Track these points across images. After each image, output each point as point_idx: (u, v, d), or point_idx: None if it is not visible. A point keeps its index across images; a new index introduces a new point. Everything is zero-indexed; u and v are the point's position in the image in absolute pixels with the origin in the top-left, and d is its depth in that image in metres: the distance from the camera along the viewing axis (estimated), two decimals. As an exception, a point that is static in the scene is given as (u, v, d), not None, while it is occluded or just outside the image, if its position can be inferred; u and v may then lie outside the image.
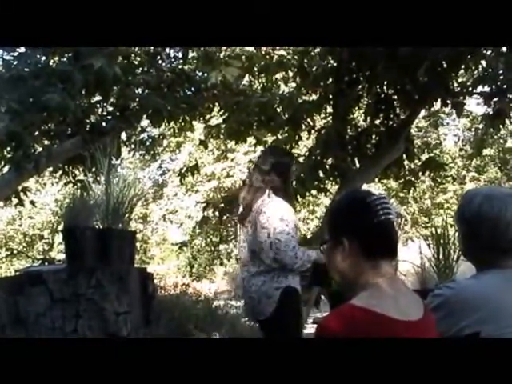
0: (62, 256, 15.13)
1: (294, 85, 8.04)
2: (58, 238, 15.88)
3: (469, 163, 16.23)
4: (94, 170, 5.09)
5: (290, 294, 4.03)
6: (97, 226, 4.17)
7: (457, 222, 2.14)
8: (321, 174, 6.73)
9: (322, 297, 6.09)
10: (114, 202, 4.12)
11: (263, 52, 7.35)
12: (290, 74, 7.57)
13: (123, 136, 7.78)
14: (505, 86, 6.27)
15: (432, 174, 7.54)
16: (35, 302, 3.87)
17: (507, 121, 6.74)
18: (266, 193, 4.09)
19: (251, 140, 8.60)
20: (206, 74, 6.56)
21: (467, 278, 2.15)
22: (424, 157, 8.38)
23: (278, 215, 3.99)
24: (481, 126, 14.02)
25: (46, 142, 7.03)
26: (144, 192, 4.38)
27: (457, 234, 2.31)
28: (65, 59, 6.08)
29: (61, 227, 15.68)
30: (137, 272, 4.26)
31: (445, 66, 5.93)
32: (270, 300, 4.03)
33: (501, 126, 6.85)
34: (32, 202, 9.96)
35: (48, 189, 16.45)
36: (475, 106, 11.21)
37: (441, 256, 3.83)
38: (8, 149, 6.07)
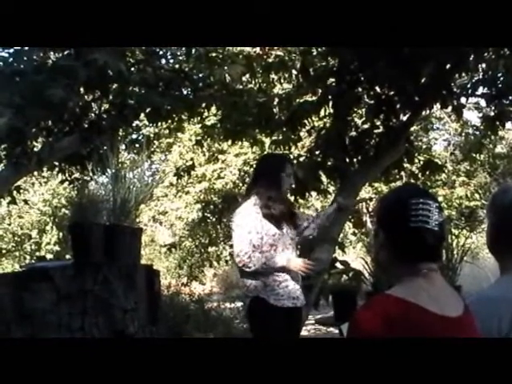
0: (51, 257, 14.97)
1: (292, 85, 8.01)
2: (46, 238, 15.70)
3: (458, 168, 16.24)
4: (96, 167, 5.03)
5: (256, 304, 4.01)
6: (104, 222, 4.13)
7: (488, 211, 2.08)
8: (321, 175, 6.71)
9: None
10: (120, 199, 4.09)
11: (260, 52, 7.32)
12: (289, 74, 7.51)
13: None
14: (504, 89, 6.28)
15: (431, 177, 7.53)
16: (41, 299, 3.81)
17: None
18: None
19: (245, 141, 8.56)
20: (207, 72, 6.52)
21: (490, 285, 2.12)
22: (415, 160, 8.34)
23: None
24: (471, 131, 14.09)
25: (43, 140, 6.93)
26: (151, 189, 4.35)
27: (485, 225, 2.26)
28: (65, 53, 6.00)
29: (49, 227, 15.47)
30: (143, 268, 4.22)
31: (447, 67, 5.92)
32: (244, 306, 4.18)
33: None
34: (25, 201, 9.93)
35: (36, 188, 16.29)
36: (466, 111, 11.20)
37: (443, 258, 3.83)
38: (6, 146, 5.99)
